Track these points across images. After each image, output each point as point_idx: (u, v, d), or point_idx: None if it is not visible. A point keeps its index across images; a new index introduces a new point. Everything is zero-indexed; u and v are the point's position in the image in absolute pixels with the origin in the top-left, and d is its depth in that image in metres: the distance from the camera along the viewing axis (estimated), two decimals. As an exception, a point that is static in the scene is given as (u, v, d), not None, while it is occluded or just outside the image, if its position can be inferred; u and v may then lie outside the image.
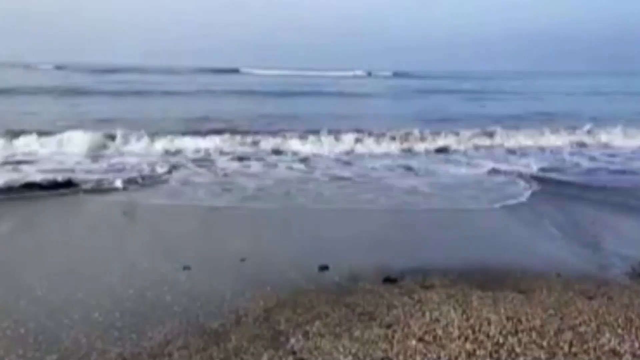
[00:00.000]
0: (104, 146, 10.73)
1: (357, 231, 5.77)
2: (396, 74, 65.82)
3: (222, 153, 10.71)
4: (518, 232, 5.91)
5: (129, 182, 7.71)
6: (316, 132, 12.33)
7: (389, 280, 4.16)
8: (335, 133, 12.31)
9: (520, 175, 8.91)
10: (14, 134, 10.75)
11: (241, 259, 4.64)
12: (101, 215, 6.35)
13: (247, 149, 11.20)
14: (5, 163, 8.93)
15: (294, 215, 6.47)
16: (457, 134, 13.17)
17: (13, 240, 5.26)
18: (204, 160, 9.92)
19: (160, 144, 10.98)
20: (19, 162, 9.05)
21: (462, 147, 12.32)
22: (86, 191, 7.19)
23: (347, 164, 10.10)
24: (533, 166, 9.88)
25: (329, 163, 10.08)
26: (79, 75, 40.59)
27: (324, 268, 4.43)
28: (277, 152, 11.06)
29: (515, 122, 16.19)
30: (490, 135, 13.39)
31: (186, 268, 4.40)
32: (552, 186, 8.21)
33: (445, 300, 3.73)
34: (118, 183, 7.53)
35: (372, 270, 4.41)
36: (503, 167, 9.81)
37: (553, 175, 9.20)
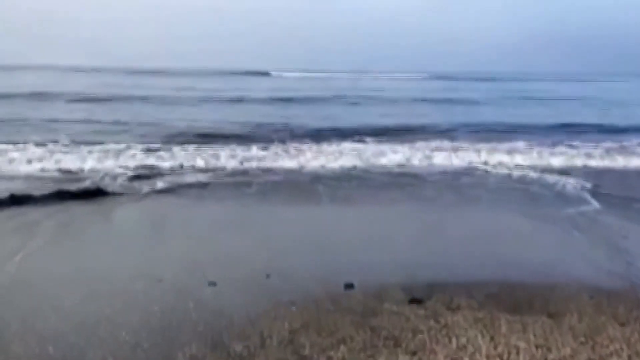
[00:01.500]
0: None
1: (386, 241, 5.73)
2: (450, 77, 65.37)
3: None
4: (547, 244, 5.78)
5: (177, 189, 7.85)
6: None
7: (415, 301, 4.11)
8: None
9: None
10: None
11: (267, 275, 4.64)
12: (129, 226, 6.43)
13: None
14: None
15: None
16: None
17: (38, 255, 5.36)
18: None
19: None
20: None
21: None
22: (117, 198, 7.32)
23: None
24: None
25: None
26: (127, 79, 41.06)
27: (349, 286, 4.41)
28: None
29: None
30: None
31: (211, 284, 4.43)
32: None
33: (472, 325, 3.66)
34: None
35: (398, 287, 4.38)
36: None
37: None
